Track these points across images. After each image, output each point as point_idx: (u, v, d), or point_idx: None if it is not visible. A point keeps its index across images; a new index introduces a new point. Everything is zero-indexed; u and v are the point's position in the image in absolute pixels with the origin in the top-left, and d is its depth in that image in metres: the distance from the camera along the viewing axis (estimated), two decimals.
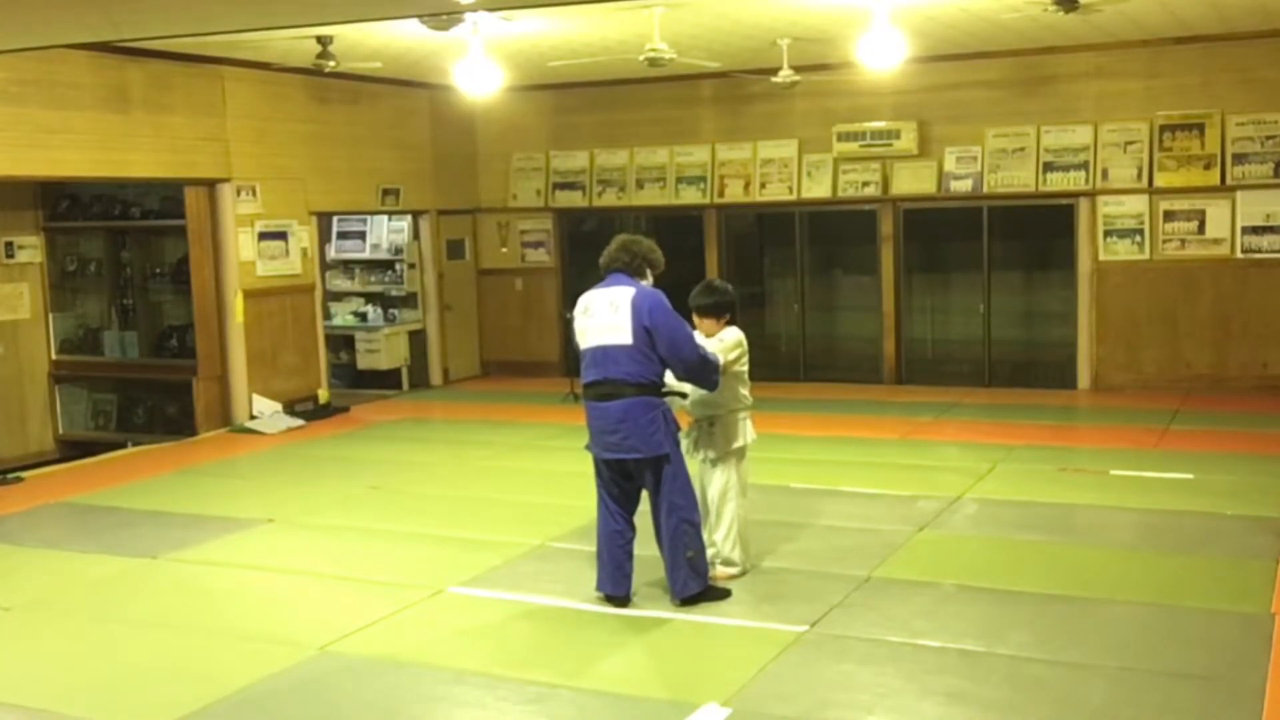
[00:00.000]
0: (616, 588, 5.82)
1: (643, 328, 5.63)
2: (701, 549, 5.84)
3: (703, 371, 5.77)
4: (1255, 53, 10.90)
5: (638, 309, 5.64)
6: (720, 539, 6.12)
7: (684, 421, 6.03)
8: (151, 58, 10.11)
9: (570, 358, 12.93)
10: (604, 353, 5.69)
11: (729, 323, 6.17)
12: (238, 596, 6.29)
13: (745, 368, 6.16)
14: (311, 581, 6.45)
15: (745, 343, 6.17)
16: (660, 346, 5.65)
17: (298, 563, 6.79)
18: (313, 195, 11.81)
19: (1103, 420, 10.55)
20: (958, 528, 7.06)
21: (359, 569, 6.60)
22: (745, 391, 6.17)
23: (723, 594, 5.87)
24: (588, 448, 5.85)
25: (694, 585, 5.76)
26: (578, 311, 5.86)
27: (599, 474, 5.87)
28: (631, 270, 5.87)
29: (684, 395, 6.00)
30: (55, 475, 9.53)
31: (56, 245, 11.80)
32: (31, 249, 11.49)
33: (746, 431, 6.15)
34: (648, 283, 5.92)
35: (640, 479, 5.81)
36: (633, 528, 5.87)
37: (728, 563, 6.15)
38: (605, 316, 5.70)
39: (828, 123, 12.29)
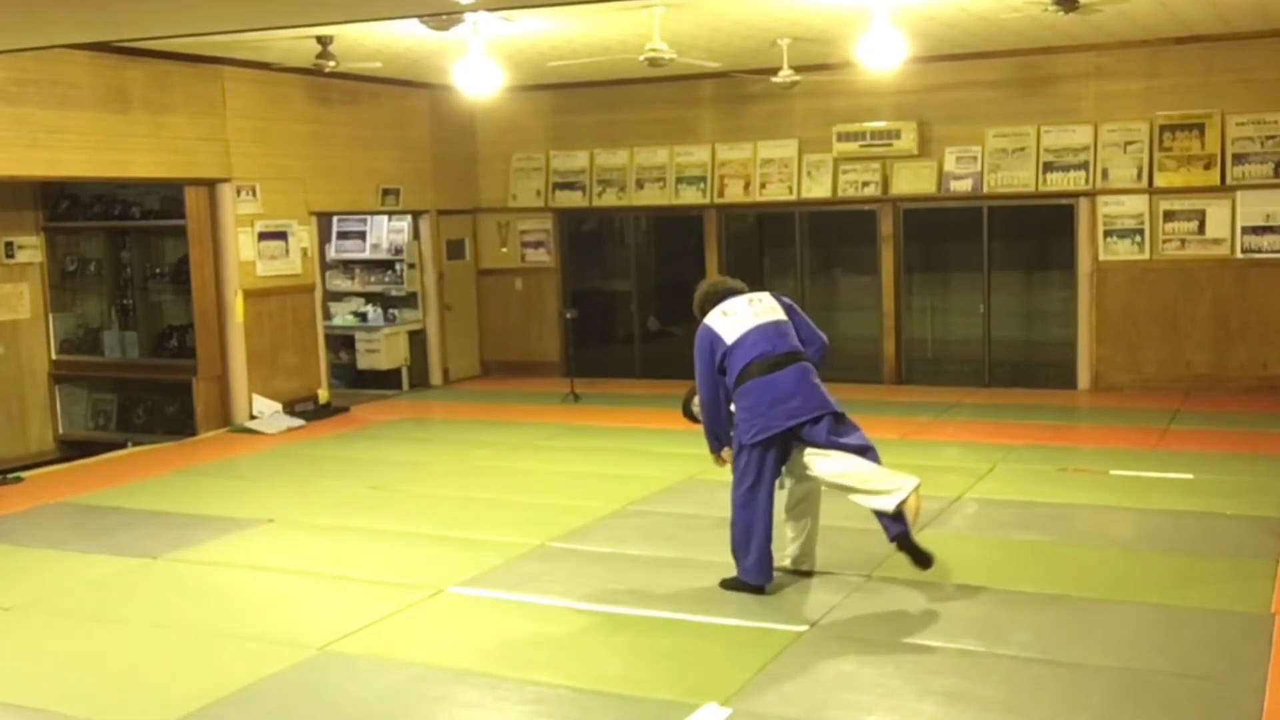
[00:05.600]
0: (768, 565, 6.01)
1: (787, 307, 6.17)
2: None
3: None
4: (1255, 53, 10.90)
5: (776, 300, 6.17)
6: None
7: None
8: (151, 58, 10.10)
9: (571, 357, 13.03)
10: (764, 330, 5.97)
11: None
12: (238, 596, 6.29)
13: None
14: (311, 581, 6.45)
15: None
16: (809, 334, 6.18)
17: (298, 563, 6.78)
18: (313, 195, 11.81)
19: (1103, 420, 10.55)
20: (958, 528, 7.06)
21: (359, 569, 6.60)
22: None
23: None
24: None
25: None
26: (723, 312, 6.00)
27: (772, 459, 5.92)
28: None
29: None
30: (55, 475, 9.54)
31: (56, 245, 11.79)
32: (31, 249, 11.49)
33: None
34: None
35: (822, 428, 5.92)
36: None
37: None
38: (750, 306, 6.05)
39: (828, 123, 12.28)
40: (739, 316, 5.96)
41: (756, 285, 6.30)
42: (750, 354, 5.85)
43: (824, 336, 6.18)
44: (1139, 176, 11.36)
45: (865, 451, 5.89)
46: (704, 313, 6.08)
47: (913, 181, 12.16)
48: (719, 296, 6.11)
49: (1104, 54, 11.37)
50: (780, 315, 6.02)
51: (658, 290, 13.72)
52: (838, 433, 5.90)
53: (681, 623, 5.62)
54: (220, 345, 11.07)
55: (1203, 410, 10.46)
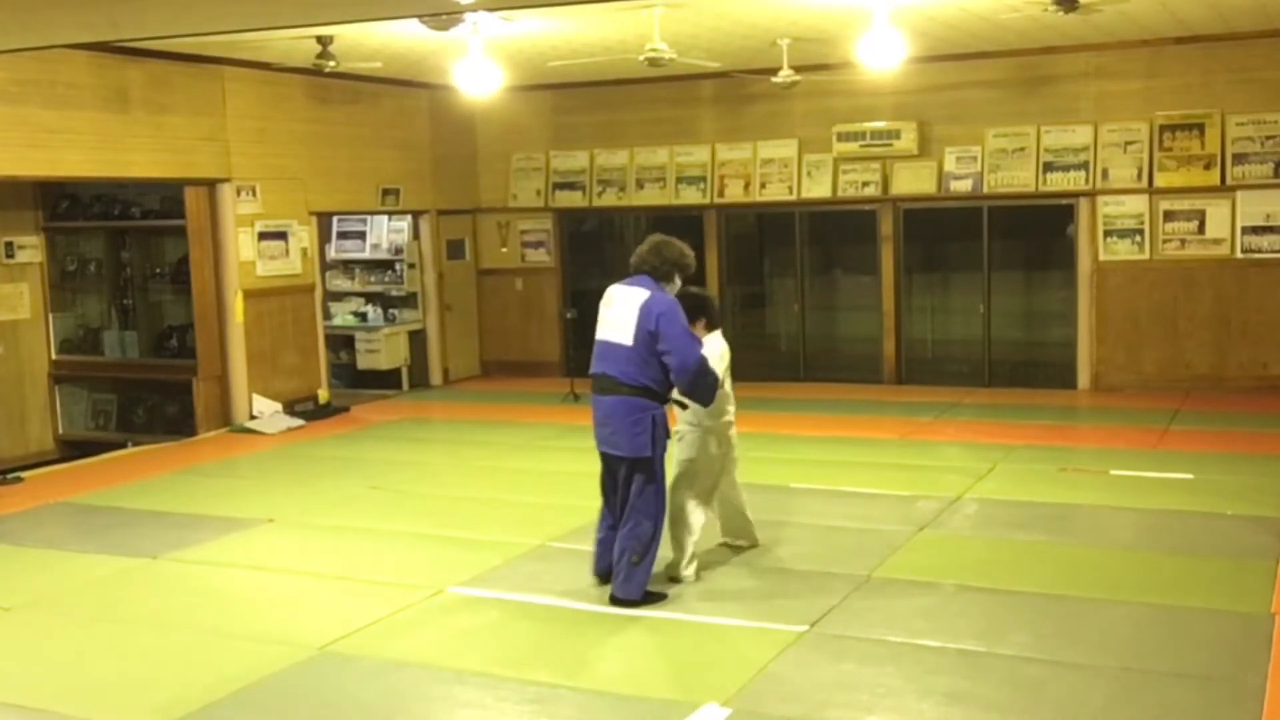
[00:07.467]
0: (600, 564, 6.06)
1: (647, 332, 5.65)
2: (646, 557, 5.79)
3: (698, 385, 5.73)
4: (1255, 53, 10.90)
5: (645, 313, 5.66)
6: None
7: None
8: (151, 58, 10.11)
9: (571, 357, 13.04)
10: (608, 348, 5.82)
11: (708, 328, 6.17)
12: (238, 596, 6.29)
13: (728, 382, 6.20)
14: (311, 581, 6.45)
15: (729, 354, 6.22)
16: (664, 354, 5.65)
17: (298, 563, 6.79)
18: (313, 195, 11.81)
19: (1103, 420, 10.55)
20: (958, 528, 7.06)
21: (359, 569, 6.60)
22: (730, 407, 6.24)
23: (659, 597, 5.86)
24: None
25: (630, 590, 5.78)
26: (603, 302, 5.93)
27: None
28: (659, 274, 5.88)
29: (684, 406, 6.03)
30: (55, 475, 9.53)
31: (56, 245, 11.79)
32: (31, 249, 11.48)
33: (725, 444, 6.28)
34: (673, 288, 5.92)
35: (620, 473, 5.89)
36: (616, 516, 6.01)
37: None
38: (617, 312, 5.80)
39: (828, 123, 12.28)
40: (606, 316, 5.84)
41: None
42: (594, 366, 5.89)
43: (693, 355, 5.64)
44: (1139, 176, 11.36)
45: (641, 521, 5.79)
46: None
47: (913, 181, 12.16)
48: (631, 267, 5.94)
49: (1104, 54, 11.37)
50: (624, 338, 5.67)
51: None
52: (635, 485, 5.79)
53: (681, 623, 5.62)
54: (220, 345, 11.07)
55: (1203, 410, 10.45)
